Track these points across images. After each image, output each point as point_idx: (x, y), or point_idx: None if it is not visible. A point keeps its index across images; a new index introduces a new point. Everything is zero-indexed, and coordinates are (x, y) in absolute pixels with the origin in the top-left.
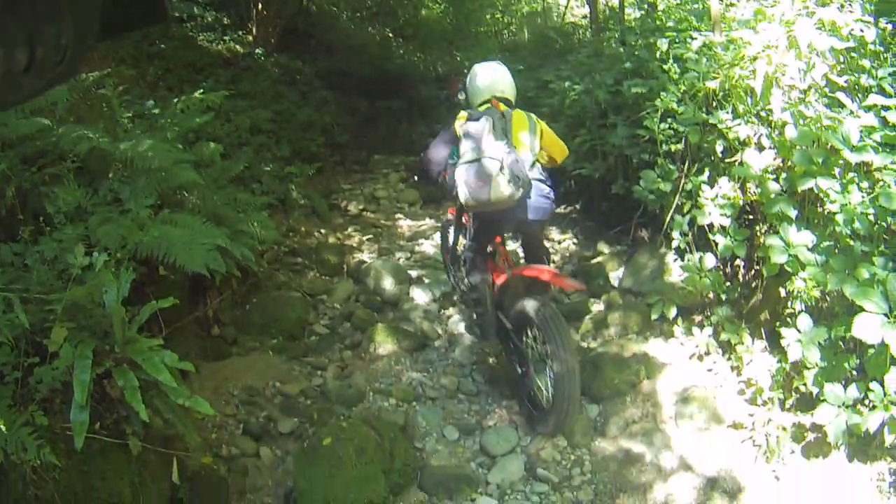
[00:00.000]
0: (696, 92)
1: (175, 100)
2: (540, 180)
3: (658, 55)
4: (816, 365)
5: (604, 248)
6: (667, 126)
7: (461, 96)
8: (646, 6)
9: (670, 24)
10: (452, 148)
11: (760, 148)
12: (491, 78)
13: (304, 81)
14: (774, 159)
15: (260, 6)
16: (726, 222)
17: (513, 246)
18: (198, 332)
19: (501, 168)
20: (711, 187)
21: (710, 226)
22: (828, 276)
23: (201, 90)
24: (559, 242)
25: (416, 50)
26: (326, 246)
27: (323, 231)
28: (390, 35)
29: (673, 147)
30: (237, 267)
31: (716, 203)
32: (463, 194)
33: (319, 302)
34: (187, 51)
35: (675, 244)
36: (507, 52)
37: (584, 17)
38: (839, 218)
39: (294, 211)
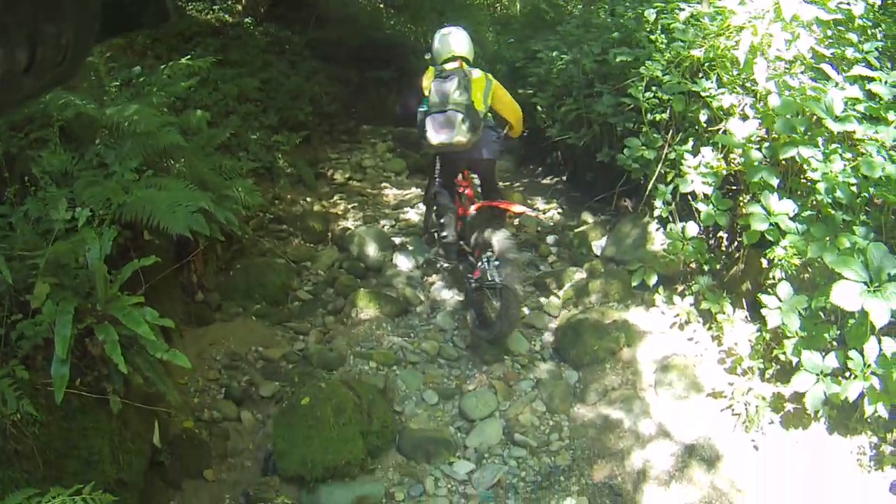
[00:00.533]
0: (682, 61)
1: (162, 66)
2: (491, 128)
3: (646, 25)
4: (796, 334)
5: (588, 217)
6: (651, 95)
7: (427, 56)
8: None
9: None
10: (423, 98)
11: (744, 117)
12: (451, 39)
13: (294, 51)
14: (758, 129)
15: None
16: (709, 191)
17: None
18: (182, 298)
19: (463, 118)
20: (695, 156)
21: (693, 194)
22: (808, 244)
23: (188, 57)
24: (544, 212)
25: (406, 21)
26: (311, 214)
27: (308, 199)
28: (381, 5)
29: (658, 116)
30: (222, 232)
31: (699, 171)
32: (431, 137)
33: (303, 268)
34: (176, 19)
35: (657, 213)
36: (498, 25)
37: None
38: (821, 186)
39: (280, 179)
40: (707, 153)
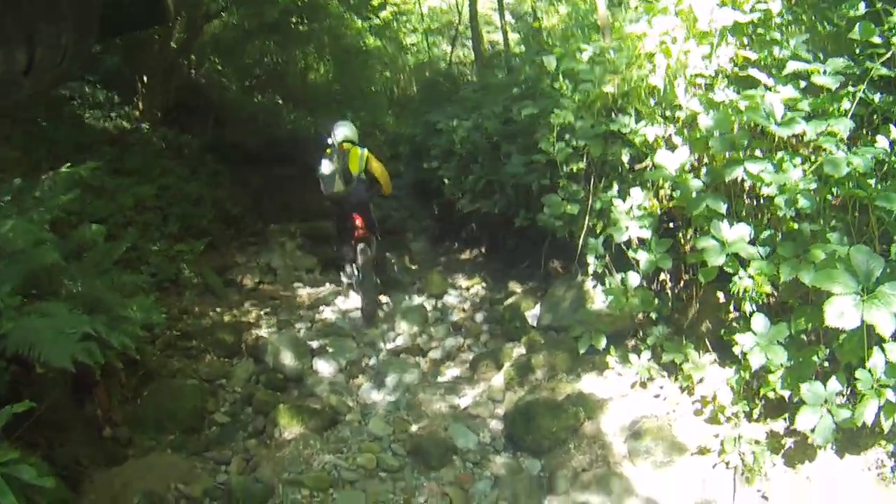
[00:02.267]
0: (592, 102)
1: (43, 177)
2: (361, 181)
3: (547, 74)
4: (782, 366)
5: (515, 287)
6: (564, 145)
7: (330, 140)
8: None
9: (556, 43)
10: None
11: (672, 147)
12: (340, 131)
13: (193, 156)
14: (689, 156)
15: (145, 79)
16: (646, 234)
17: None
18: (88, 435)
19: (337, 173)
20: (624, 200)
21: (628, 242)
22: (779, 267)
23: (68, 165)
24: (467, 289)
25: (305, 115)
26: (222, 325)
27: (218, 309)
28: (280, 102)
29: (575, 167)
30: (124, 357)
31: (631, 216)
32: (322, 189)
33: (218, 387)
34: (73, 130)
35: (591, 269)
36: (397, 107)
37: (468, 61)
38: (780, 200)
39: (187, 290)
40: (637, 194)
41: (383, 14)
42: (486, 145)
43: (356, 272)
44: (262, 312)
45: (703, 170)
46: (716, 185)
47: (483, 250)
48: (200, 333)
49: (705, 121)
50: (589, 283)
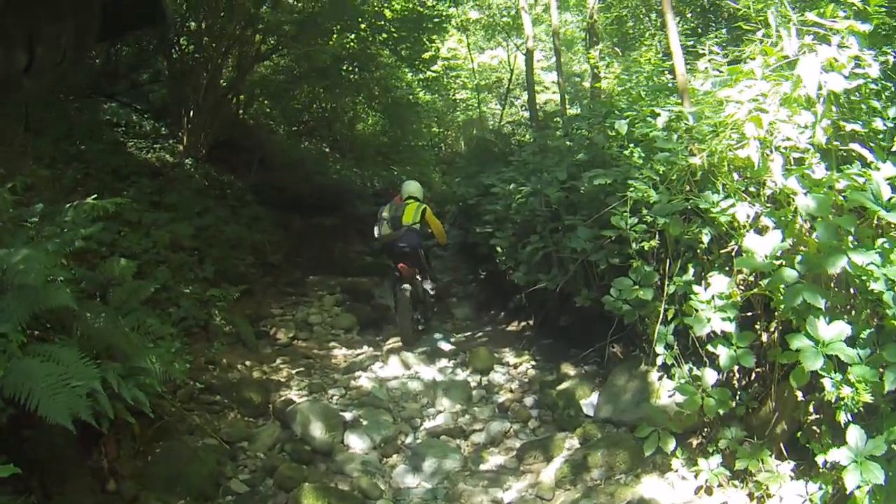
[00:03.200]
0: (670, 175)
1: (67, 205)
2: (414, 230)
3: (616, 140)
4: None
5: (568, 369)
6: (636, 220)
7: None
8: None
9: (621, 106)
10: None
11: (759, 230)
12: (405, 189)
13: (235, 196)
14: (782, 241)
15: (191, 114)
16: (730, 328)
17: None
18: (91, 487)
19: (386, 222)
20: (704, 287)
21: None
22: (885, 374)
23: (94, 197)
24: (515, 367)
25: (352, 165)
26: (249, 382)
27: (248, 363)
28: (326, 150)
29: (646, 245)
30: (137, 410)
31: (712, 306)
32: (375, 233)
33: (239, 450)
34: (113, 156)
35: (660, 360)
36: (444, 164)
37: (520, 121)
38: (888, 297)
39: (217, 339)
40: (719, 282)
41: (434, 68)
42: (546, 214)
43: (395, 296)
44: (293, 372)
45: (799, 258)
46: (812, 277)
47: (531, 323)
48: (226, 388)
49: (804, 202)
50: (654, 375)
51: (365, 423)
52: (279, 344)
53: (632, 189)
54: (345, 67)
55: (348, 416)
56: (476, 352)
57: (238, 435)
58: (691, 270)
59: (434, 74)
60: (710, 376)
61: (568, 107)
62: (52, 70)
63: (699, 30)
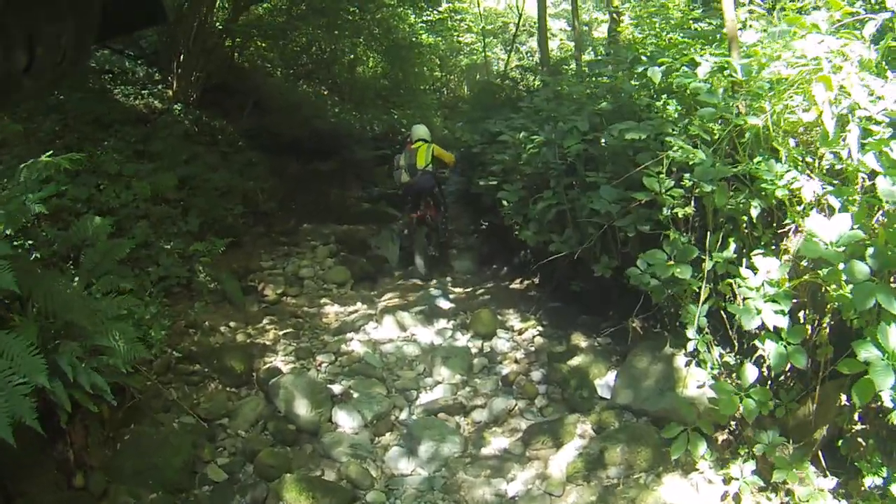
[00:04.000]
0: (714, 134)
1: (21, 165)
2: (428, 172)
3: (647, 89)
4: None
5: (580, 340)
6: (671, 183)
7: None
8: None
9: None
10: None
11: (824, 210)
12: (415, 132)
13: (227, 141)
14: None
15: (181, 58)
16: (782, 322)
17: None
18: (57, 482)
19: (403, 170)
20: (747, 267)
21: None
22: None
23: (49, 154)
24: (520, 333)
25: (351, 109)
26: (232, 347)
27: (232, 324)
28: (325, 93)
29: (680, 211)
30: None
31: (763, 294)
32: (395, 180)
33: (218, 429)
34: (95, 104)
35: (691, 346)
36: (446, 109)
37: (528, 66)
38: None
39: (200, 298)
40: (769, 264)
41: (439, 9)
42: (562, 168)
43: (404, 233)
44: (281, 334)
45: (871, 250)
46: (884, 276)
47: (537, 281)
48: (206, 356)
49: (885, 185)
50: (681, 359)
51: (356, 395)
52: (267, 301)
53: (675, 148)
54: (344, 7)
55: (337, 388)
56: (478, 314)
57: (218, 410)
58: (732, 246)
59: (438, 16)
60: (750, 373)
61: (582, 54)
62: (52, 70)
63: None
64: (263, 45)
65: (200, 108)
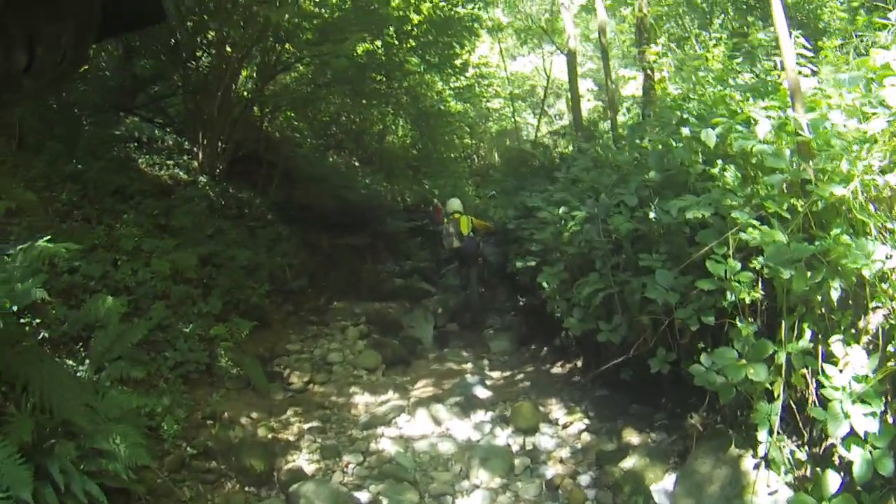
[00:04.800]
0: (784, 205)
1: (20, 246)
2: (470, 237)
3: (699, 154)
4: None
5: (631, 436)
6: (738, 266)
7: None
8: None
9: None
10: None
11: None
12: (450, 206)
13: (255, 215)
14: None
15: (206, 128)
16: (873, 426)
17: None
18: None
19: (454, 237)
20: (833, 362)
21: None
22: None
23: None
24: (564, 427)
25: (381, 179)
26: (253, 444)
27: (254, 415)
28: (356, 163)
29: (747, 297)
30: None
31: (850, 394)
32: (444, 245)
33: None
34: (116, 174)
35: (763, 451)
36: (477, 177)
37: (559, 130)
38: None
39: (221, 384)
40: (856, 357)
41: (465, 75)
42: (607, 247)
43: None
44: (306, 427)
45: None
46: None
47: (580, 364)
48: (224, 452)
49: None
50: (749, 462)
51: (384, 501)
52: (293, 389)
53: (745, 227)
54: (371, 75)
55: (364, 497)
56: (518, 407)
57: None
58: (807, 333)
59: (465, 82)
60: (832, 483)
61: (615, 115)
62: (51, 70)
63: (745, 28)
64: (292, 114)
65: (227, 180)
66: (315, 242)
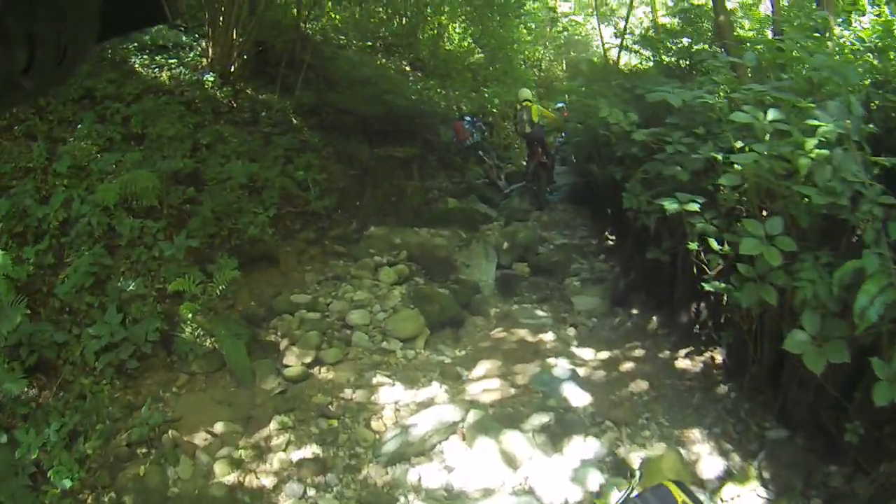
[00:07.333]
0: None
1: None
2: (540, 126)
3: None
4: None
5: None
6: None
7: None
8: None
9: None
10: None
11: None
12: (521, 95)
13: (274, 121)
14: None
15: (221, 20)
16: None
17: None
18: None
19: (526, 123)
20: None
21: None
22: None
23: None
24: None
25: (436, 85)
26: (207, 497)
27: (219, 429)
28: (407, 68)
29: None
30: None
31: None
32: (517, 130)
33: None
34: (90, 78)
35: None
36: (541, 88)
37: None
38: None
39: (184, 367)
40: None
41: None
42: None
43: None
44: (294, 458)
45: None
46: None
47: (726, 357)
48: None
49: None
50: None
51: None
52: (288, 376)
53: None
54: None
55: None
56: (654, 462)
57: None
58: None
59: None
60: None
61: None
62: (51, 70)
63: None
64: (336, 16)
65: (243, 80)
66: (351, 153)
